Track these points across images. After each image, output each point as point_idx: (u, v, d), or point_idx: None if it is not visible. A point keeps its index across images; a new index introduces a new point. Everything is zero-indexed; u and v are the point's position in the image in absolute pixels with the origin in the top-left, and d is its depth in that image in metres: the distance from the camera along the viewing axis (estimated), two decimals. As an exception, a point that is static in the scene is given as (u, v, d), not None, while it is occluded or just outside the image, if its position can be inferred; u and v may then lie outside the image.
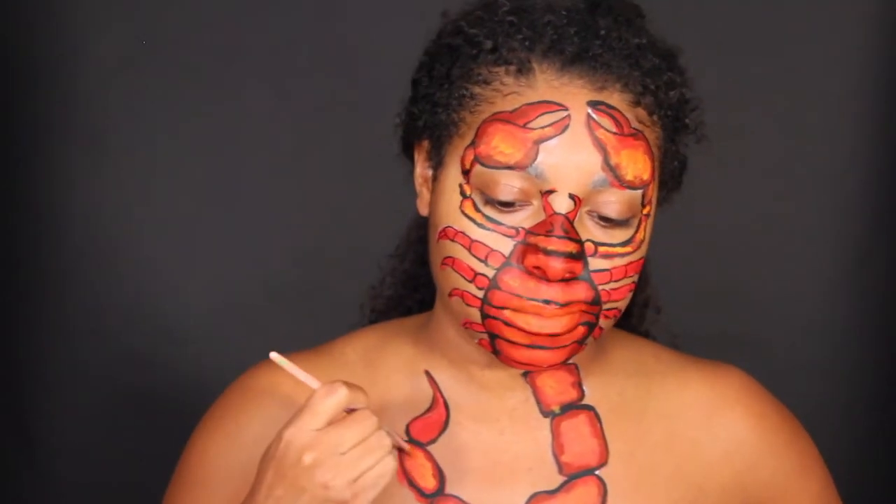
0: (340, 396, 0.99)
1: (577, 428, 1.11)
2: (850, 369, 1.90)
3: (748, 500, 1.15)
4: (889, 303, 1.88)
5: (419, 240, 1.28)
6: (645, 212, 1.05)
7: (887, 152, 1.86)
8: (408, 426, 1.11)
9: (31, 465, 1.88)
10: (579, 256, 1.01)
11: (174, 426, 1.88)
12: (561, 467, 1.10)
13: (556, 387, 1.12)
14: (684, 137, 1.10)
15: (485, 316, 1.03)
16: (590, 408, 1.12)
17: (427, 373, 1.12)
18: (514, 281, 1.02)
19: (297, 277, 1.87)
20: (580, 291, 1.02)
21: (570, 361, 1.11)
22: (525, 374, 1.11)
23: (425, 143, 1.10)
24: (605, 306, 1.04)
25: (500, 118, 1.03)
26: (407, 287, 1.31)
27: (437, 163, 1.08)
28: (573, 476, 1.10)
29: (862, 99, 1.85)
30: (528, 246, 1.01)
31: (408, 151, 1.14)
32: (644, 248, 1.06)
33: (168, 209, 1.87)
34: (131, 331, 1.87)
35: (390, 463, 1.00)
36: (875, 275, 1.88)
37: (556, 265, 1.00)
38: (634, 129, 1.04)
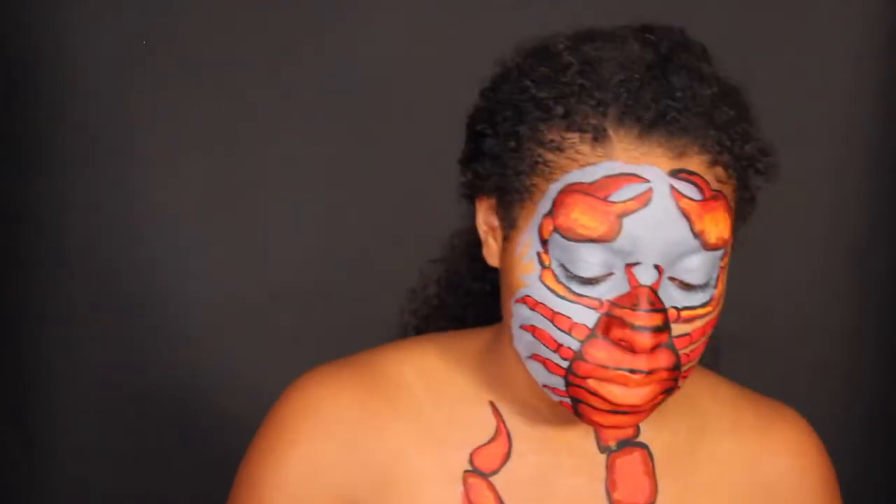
0: None
1: (630, 465, 1.11)
2: (850, 369, 1.90)
3: None
4: (889, 303, 1.88)
5: (467, 252, 1.25)
6: (722, 265, 1.04)
7: (887, 152, 1.86)
8: (471, 455, 1.10)
9: (31, 465, 1.88)
10: (665, 328, 1.00)
11: (174, 426, 1.89)
12: None
13: None
14: (755, 181, 1.08)
15: (569, 384, 1.02)
16: (644, 445, 1.12)
17: (492, 403, 1.11)
18: (599, 353, 1.00)
19: (298, 277, 1.87)
20: (663, 359, 1.01)
21: None
22: None
23: (492, 200, 1.07)
24: (684, 368, 1.03)
25: (578, 189, 1.00)
26: (456, 297, 1.28)
27: (509, 224, 1.05)
28: None
29: (862, 99, 1.85)
30: (613, 318, 0.99)
31: (469, 197, 1.12)
32: (721, 302, 1.05)
33: (169, 209, 1.87)
34: (131, 331, 1.87)
35: None
36: (875, 275, 1.88)
37: (644, 340, 0.98)
38: (715, 190, 1.01)
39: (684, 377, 1.04)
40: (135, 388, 1.87)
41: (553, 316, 1.01)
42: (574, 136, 1.00)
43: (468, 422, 1.11)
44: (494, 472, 1.10)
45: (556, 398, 1.05)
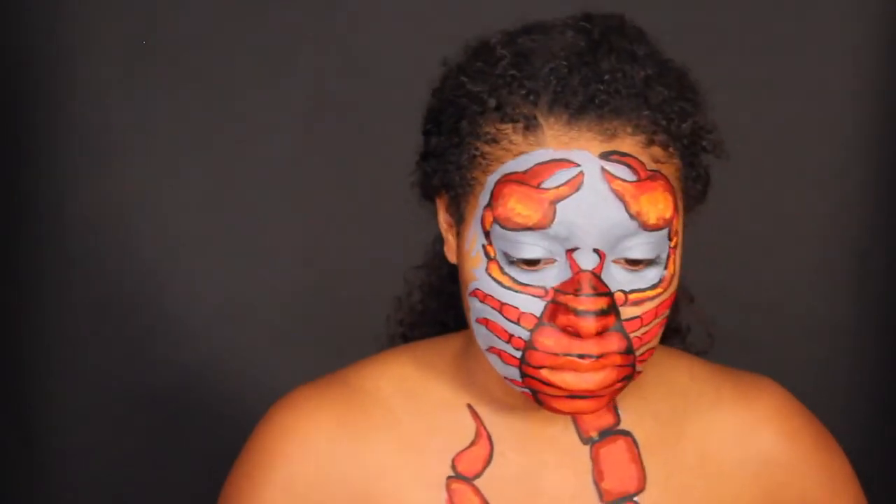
0: None
1: (615, 454, 1.11)
2: (850, 369, 1.90)
3: None
4: (889, 303, 1.88)
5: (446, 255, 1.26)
6: (672, 244, 1.03)
7: (887, 152, 1.86)
8: (453, 460, 1.10)
9: (31, 465, 1.88)
10: (610, 311, 1.00)
11: (175, 426, 1.89)
12: (601, 494, 1.10)
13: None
14: (703, 160, 1.08)
15: (524, 375, 1.02)
16: (627, 433, 1.12)
17: (469, 406, 1.12)
18: (548, 340, 1.00)
19: (299, 278, 1.87)
20: (613, 343, 1.01)
21: None
22: None
23: (444, 197, 1.08)
24: (639, 352, 1.03)
25: (513, 179, 1.01)
26: (440, 302, 1.29)
27: (458, 219, 1.06)
28: (613, 503, 1.10)
29: (862, 99, 1.85)
30: (559, 305, 1.00)
31: (428, 197, 1.13)
32: (674, 283, 1.04)
33: (169, 209, 1.87)
34: (132, 331, 1.87)
35: None
36: (875, 275, 1.88)
37: (589, 325, 0.99)
38: (651, 170, 1.01)
39: (642, 361, 1.04)
40: (135, 388, 1.87)
41: (501, 307, 1.02)
42: (507, 127, 1.02)
43: (447, 427, 1.11)
44: (478, 476, 1.10)
45: (517, 389, 1.05)
